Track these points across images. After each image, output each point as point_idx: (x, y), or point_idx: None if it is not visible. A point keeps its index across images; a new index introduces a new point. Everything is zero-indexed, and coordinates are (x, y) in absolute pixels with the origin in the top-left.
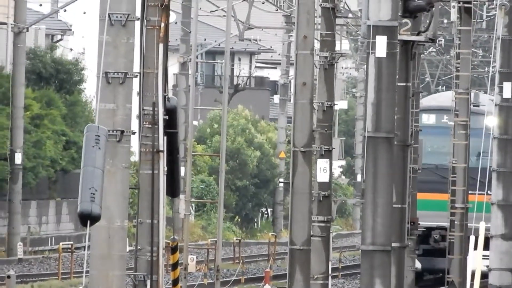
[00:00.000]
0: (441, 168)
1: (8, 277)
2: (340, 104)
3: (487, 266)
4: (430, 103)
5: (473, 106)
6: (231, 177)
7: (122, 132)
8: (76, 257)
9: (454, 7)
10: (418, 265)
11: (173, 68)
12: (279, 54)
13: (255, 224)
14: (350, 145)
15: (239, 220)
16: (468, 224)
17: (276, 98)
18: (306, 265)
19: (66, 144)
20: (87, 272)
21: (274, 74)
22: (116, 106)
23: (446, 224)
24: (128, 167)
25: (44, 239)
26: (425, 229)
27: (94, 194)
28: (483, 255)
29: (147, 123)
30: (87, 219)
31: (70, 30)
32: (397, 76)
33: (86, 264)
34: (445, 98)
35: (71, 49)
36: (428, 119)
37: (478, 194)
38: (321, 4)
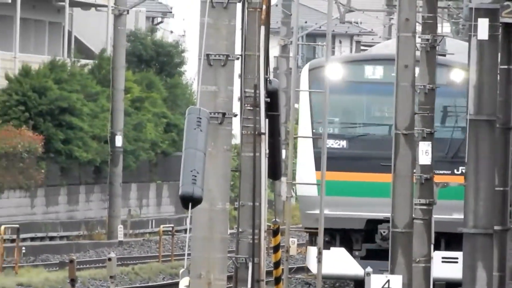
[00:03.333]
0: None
1: (109, 259)
2: None
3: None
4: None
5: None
6: None
7: (224, 114)
8: (177, 239)
9: None
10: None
11: (274, 50)
12: (380, 37)
13: None
14: None
15: None
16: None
17: None
18: (408, 248)
19: (166, 126)
20: (188, 254)
21: None
22: (217, 88)
23: None
24: (230, 149)
25: (144, 222)
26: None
27: (195, 176)
28: (445, 258)
29: (249, 105)
30: (189, 201)
31: (171, 12)
32: (499, 59)
33: (187, 246)
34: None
35: (172, 32)
36: None
37: (449, 174)
38: None
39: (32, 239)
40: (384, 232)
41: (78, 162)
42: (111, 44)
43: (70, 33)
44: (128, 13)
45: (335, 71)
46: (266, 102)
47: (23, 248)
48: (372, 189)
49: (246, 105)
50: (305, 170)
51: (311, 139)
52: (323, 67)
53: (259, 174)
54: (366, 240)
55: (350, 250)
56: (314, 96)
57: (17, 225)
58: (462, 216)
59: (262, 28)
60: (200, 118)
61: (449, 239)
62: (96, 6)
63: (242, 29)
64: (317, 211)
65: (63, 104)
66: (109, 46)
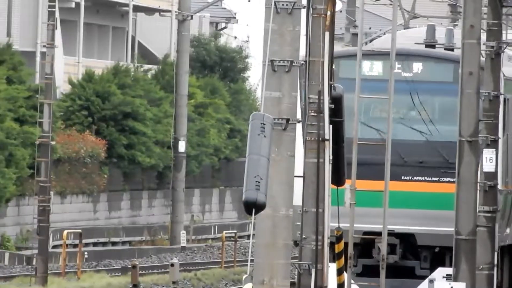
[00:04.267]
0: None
1: (172, 265)
2: None
3: None
4: None
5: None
6: None
7: (288, 120)
8: (239, 245)
9: None
10: None
11: None
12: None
13: None
14: None
15: None
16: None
17: None
18: (471, 255)
19: (230, 132)
20: (251, 260)
21: None
22: (281, 94)
23: (400, 227)
24: (293, 155)
25: (207, 228)
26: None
27: (259, 182)
28: (450, 275)
29: (313, 111)
30: (252, 207)
31: (235, 18)
32: None
33: (250, 252)
34: None
35: (235, 37)
36: None
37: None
38: None
39: (95, 244)
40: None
41: (140, 167)
42: (174, 49)
43: (133, 38)
44: (192, 18)
45: None
46: (330, 108)
47: (86, 253)
48: (369, 198)
49: (310, 111)
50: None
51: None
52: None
53: (323, 180)
54: (362, 255)
55: (345, 266)
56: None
57: (80, 230)
58: None
59: (327, 34)
60: (264, 124)
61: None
62: (160, 11)
63: (306, 35)
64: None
65: (126, 109)
66: (173, 52)
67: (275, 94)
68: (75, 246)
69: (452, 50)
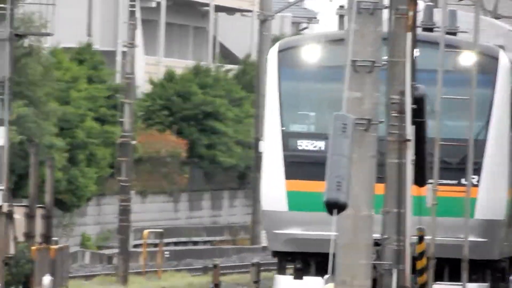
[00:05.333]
0: None
1: (253, 264)
2: None
3: None
4: None
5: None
6: None
7: (369, 120)
8: None
9: None
10: None
11: None
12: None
13: None
14: None
15: None
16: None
17: None
18: None
19: None
20: (332, 260)
21: None
22: (363, 94)
23: None
24: (375, 156)
25: None
26: None
27: (340, 182)
28: None
29: (395, 112)
30: (334, 207)
31: (316, 18)
32: None
33: (332, 252)
34: None
35: None
36: None
37: (455, 185)
38: None
39: (176, 243)
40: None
41: (221, 167)
42: (255, 49)
43: (214, 38)
44: (273, 18)
45: (311, 53)
46: (412, 109)
47: (167, 252)
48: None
49: (392, 112)
50: (271, 179)
51: (280, 139)
52: (296, 47)
53: (405, 181)
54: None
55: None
56: (284, 84)
57: (161, 230)
58: (471, 238)
59: (409, 34)
60: (346, 125)
61: (452, 267)
62: (241, 11)
63: (388, 35)
64: (288, 231)
65: (207, 109)
66: (254, 51)
67: (356, 94)
68: (155, 245)
69: (455, 34)
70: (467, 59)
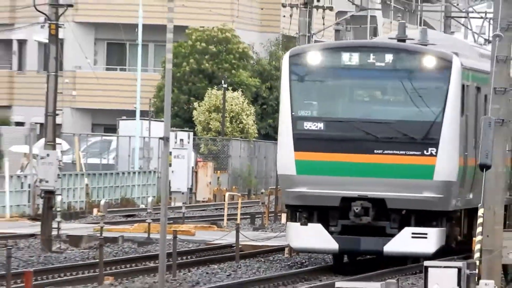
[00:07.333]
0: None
1: None
2: None
3: None
4: None
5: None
6: None
7: (503, 120)
8: None
9: None
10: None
11: None
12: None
13: None
14: None
15: None
16: None
17: None
18: None
19: None
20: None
21: None
22: (500, 106)
23: (372, 193)
24: (507, 140)
25: None
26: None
27: (488, 154)
28: (415, 233)
29: None
30: (485, 167)
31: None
32: None
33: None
34: None
35: None
36: None
37: (420, 155)
38: None
39: None
40: (357, 209)
41: None
42: None
43: None
44: None
45: (314, 58)
46: None
47: None
48: (346, 168)
49: None
50: (284, 151)
51: (290, 121)
52: (302, 53)
53: None
54: (341, 217)
55: (327, 226)
56: (294, 80)
57: None
58: (431, 195)
59: None
60: (490, 122)
61: (418, 216)
62: None
63: None
64: (297, 189)
65: None
66: None
67: (496, 106)
68: None
69: (426, 45)
70: (430, 61)
